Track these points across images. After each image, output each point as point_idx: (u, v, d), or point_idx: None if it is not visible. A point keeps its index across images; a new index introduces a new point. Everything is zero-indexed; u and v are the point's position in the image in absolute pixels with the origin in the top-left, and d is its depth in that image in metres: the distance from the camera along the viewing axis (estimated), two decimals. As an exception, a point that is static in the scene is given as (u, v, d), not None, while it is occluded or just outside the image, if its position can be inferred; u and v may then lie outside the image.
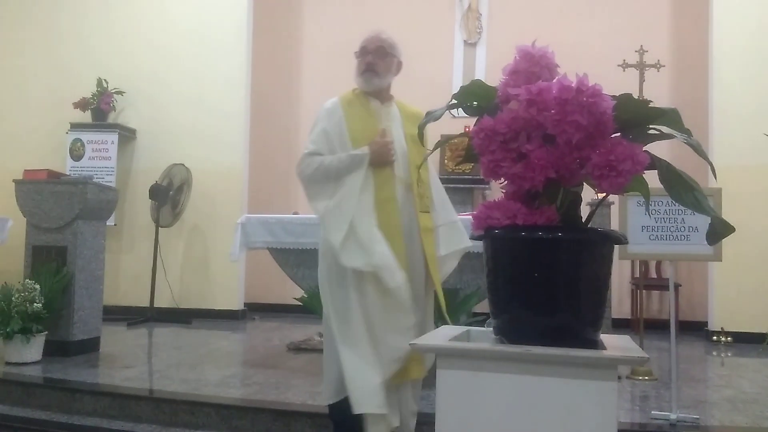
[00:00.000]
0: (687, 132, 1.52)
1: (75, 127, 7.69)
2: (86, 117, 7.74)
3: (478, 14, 8.35)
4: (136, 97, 7.76)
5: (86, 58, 7.87)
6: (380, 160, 2.86)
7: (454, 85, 7.90)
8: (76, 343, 4.95)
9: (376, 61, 2.97)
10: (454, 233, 3.06)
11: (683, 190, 1.51)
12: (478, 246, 1.68)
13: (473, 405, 1.49)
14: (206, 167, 7.44)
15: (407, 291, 2.78)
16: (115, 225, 7.39)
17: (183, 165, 7.31)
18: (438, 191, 3.10)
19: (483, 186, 7.70)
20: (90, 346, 5.09)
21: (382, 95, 3.03)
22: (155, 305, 7.07)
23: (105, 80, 7.68)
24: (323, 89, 8.47)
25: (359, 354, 2.80)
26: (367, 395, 2.76)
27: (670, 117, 1.51)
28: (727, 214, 2.07)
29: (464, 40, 8.39)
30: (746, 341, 5.99)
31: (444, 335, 1.71)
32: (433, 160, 7.87)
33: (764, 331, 5.05)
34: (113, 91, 7.69)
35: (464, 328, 1.82)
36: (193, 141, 7.56)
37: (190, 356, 5.14)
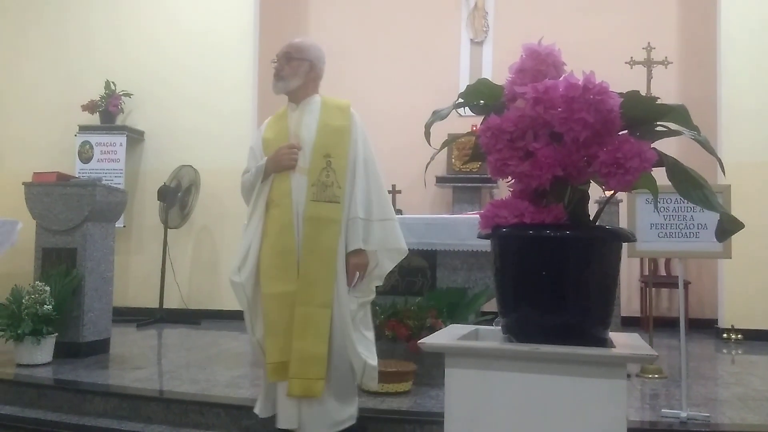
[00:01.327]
0: (695, 128, 1.52)
1: (83, 129, 7.72)
2: (94, 119, 7.78)
3: (485, 13, 8.34)
4: (144, 99, 7.79)
5: (93, 61, 7.90)
6: (277, 166, 3.02)
7: (461, 84, 7.89)
8: (86, 344, 4.98)
9: (282, 66, 3.14)
10: (385, 231, 3.05)
11: (692, 187, 1.50)
12: (486, 244, 1.68)
13: (482, 403, 1.49)
14: (214, 168, 7.46)
15: (246, 290, 3.02)
16: (124, 227, 7.42)
17: (191, 166, 7.33)
18: (369, 187, 3.06)
19: (490, 185, 7.69)
20: (100, 348, 5.11)
21: (297, 96, 3.15)
22: (164, 306, 7.09)
23: (113, 82, 7.71)
24: (328, 90, 8.50)
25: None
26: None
27: (678, 113, 1.50)
28: (737, 211, 2.06)
29: (471, 39, 8.38)
30: (757, 339, 5.97)
31: (453, 334, 1.71)
32: (439, 160, 7.86)
33: (775, 329, 5.02)
34: (121, 93, 7.73)
35: (473, 327, 1.82)
36: (201, 142, 7.58)
37: (200, 357, 5.15)
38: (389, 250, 3.07)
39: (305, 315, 2.89)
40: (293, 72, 3.11)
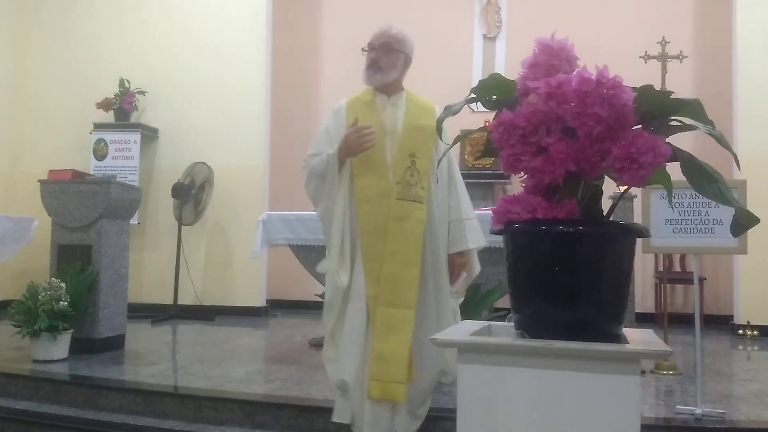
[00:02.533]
0: (710, 123, 1.50)
1: (98, 127, 7.77)
2: (109, 117, 7.82)
3: (498, 8, 8.30)
4: (158, 97, 7.83)
5: (107, 59, 7.95)
6: (350, 151, 2.86)
7: (474, 79, 7.86)
8: (101, 340, 5.01)
9: (380, 56, 2.98)
10: (477, 230, 3.05)
11: (706, 181, 1.49)
12: (499, 240, 1.67)
13: (494, 399, 1.49)
14: (228, 165, 7.49)
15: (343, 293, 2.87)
16: (138, 224, 7.46)
17: (205, 163, 7.36)
18: (462, 187, 3.10)
19: (503, 180, 7.67)
20: (115, 344, 5.15)
21: (389, 89, 3.04)
22: (179, 303, 7.13)
23: (127, 80, 7.75)
24: (342, 87, 8.45)
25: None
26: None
27: (693, 108, 1.49)
28: (752, 206, 2.03)
29: (483, 35, 8.35)
30: (773, 335, 5.92)
31: (465, 330, 1.70)
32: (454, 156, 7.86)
33: (792, 325, 4.98)
34: (135, 91, 7.77)
35: (486, 323, 1.82)
36: (215, 139, 7.61)
37: (214, 353, 5.18)
38: (467, 251, 3.04)
39: (387, 315, 2.81)
40: (392, 64, 2.99)
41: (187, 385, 4.08)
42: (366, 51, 3.05)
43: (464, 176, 8.40)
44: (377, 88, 3.04)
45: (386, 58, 2.98)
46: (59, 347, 4.70)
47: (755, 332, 6.13)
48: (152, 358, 4.91)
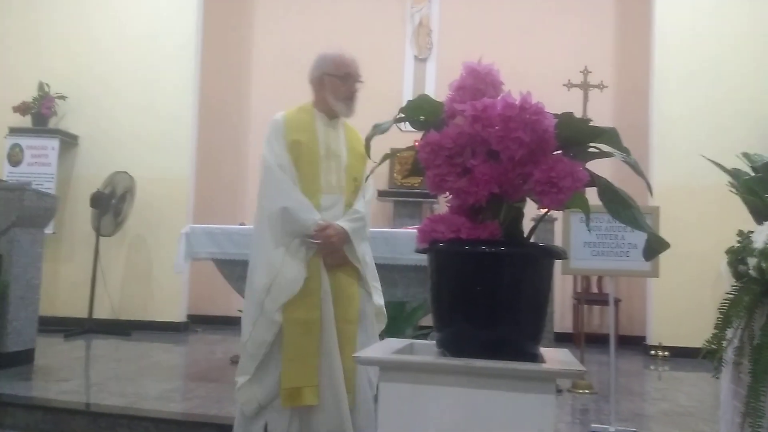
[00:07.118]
0: (626, 151, 1.56)
1: (14, 131, 7.45)
2: (26, 121, 7.51)
3: (429, 30, 8.44)
4: (79, 103, 7.57)
5: (28, 60, 7.64)
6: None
7: (404, 99, 7.93)
8: (9, 354, 4.78)
9: (357, 88, 3.00)
10: None
11: (621, 207, 1.55)
12: (424, 259, 1.69)
13: (415, 417, 1.50)
14: (151, 175, 7.30)
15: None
16: (54, 233, 7.16)
17: (126, 173, 7.15)
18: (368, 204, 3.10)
19: (431, 200, 7.76)
20: (24, 358, 4.92)
21: (332, 113, 3.01)
22: (94, 316, 6.86)
23: (47, 84, 7.47)
24: (273, 98, 8.42)
25: None
26: None
27: (609, 136, 1.55)
28: (665, 232, 2.12)
29: (415, 56, 8.46)
30: (682, 356, 6.17)
31: (388, 348, 1.71)
32: (380, 174, 7.90)
33: (699, 346, 5.21)
34: (55, 95, 7.49)
35: (408, 341, 1.83)
36: (138, 148, 7.41)
37: (130, 369, 5.02)
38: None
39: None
40: None
41: (99, 402, 3.93)
42: (342, 79, 2.97)
43: (393, 194, 8.47)
44: (319, 109, 3.01)
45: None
46: (-38, 362, 4.46)
47: (666, 353, 6.38)
48: (63, 374, 4.71)
